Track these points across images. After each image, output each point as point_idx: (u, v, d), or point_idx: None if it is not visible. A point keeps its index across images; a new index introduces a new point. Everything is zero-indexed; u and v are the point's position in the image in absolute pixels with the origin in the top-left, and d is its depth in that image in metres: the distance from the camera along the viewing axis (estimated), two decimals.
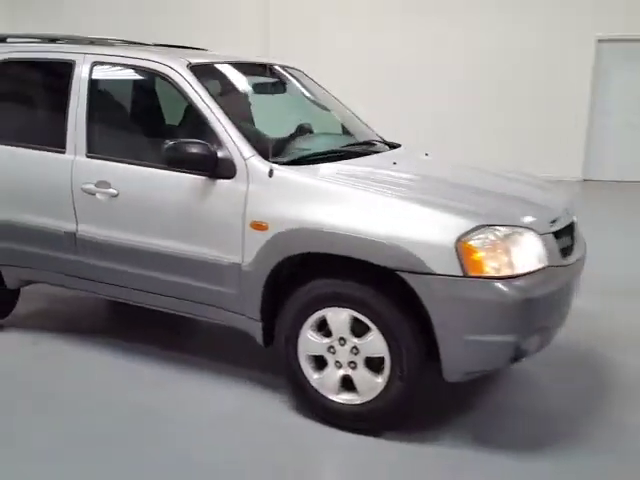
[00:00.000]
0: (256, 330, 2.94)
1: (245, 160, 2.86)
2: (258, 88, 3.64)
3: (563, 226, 2.85)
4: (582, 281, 3.10)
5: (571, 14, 9.65)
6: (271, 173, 2.81)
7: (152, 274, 3.13)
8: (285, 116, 3.72)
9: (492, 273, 2.48)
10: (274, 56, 4.07)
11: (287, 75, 3.94)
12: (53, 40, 3.63)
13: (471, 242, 2.47)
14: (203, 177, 2.91)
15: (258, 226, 2.79)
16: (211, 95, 3.00)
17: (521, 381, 3.34)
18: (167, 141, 2.80)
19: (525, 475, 2.57)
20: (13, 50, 3.62)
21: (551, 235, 2.71)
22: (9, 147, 3.48)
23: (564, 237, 2.88)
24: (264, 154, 2.87)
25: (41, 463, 2.59)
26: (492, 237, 2.51)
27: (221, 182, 2.89)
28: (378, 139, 3.85)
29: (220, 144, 2.89)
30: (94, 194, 3.19)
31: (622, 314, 4.27)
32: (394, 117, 9.89)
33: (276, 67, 3.85)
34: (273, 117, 3.65)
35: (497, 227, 2.53)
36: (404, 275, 2.52)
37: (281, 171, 2.82)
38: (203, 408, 3.02)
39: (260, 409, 3.01)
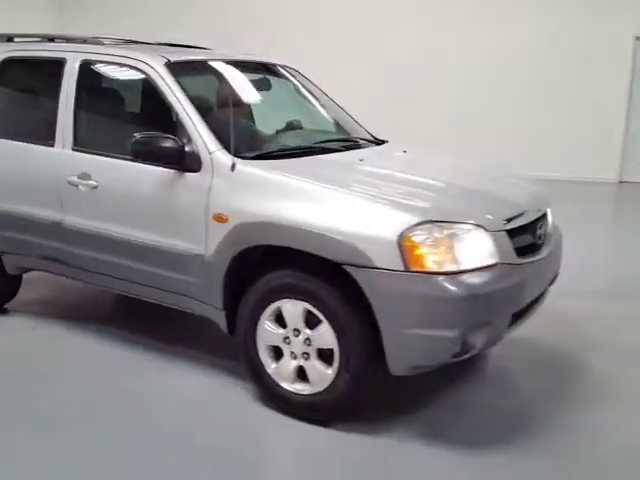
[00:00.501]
0: (221, 319, 3.04)
1: (210, 154, 2.95)
2: (255, 87, 3.75)
3: (522, 224, 2.83)
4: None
5: (608, 13, 9.38)
6: (233, 167, 2.90)
7: (128, 263, 3.27)
8: (272, 113, 3.79)
9: (434, 268, 2.50)
10: (271, 55, 4.14)
11: (280, 73, 4.04)
12: (52, 39, 3.83)
13: (413, 238, 2.49)
14: (172, 170, 3.02)
15: (219, 218, 2.89)
16: (184, 91, 3.11)
17: (488, 379, 3.35)
18: (135, 134, 2.93)
19: (469, 471, 2.57)
20: (15, 49, 3.84)
21: (504, 233, 2.69)
22: (7, 141, 3.69)
23: (524, 235, 2.86)
24: (230, 149, 2.96)
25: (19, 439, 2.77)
26: (435, 233, 2.52)
27: (188, 175, 3.00)
28: (363, 136, 3.89)
29: (189, 139, 3.00)
30: (77, 186, 3.36)
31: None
32: (424, 115, 9.88)
33: (268, 65, 3.95)
34: (260, 113, 3.72)
35: (441, 223, 2.55)
36: (349, 268, 2.56)
37: (243, 165, 2.91)
38: (171, 393, 3.14)
39: (223, 396, 3.09)
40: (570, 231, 6.56)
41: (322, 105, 4.08)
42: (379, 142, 3.85)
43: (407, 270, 2.49)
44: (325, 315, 2.68)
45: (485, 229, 2.63)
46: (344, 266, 2.57)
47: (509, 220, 2.77)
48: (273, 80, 4.00)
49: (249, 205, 2.82)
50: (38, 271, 3.92)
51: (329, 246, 2.59)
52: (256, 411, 2.96)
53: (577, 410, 3.03)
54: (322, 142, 3.51)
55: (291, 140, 3.51)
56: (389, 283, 2.51)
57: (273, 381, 2.89)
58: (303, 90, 4.07)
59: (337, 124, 4.01)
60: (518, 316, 2.82)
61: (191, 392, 3.16)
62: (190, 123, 3.02)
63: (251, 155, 3.02)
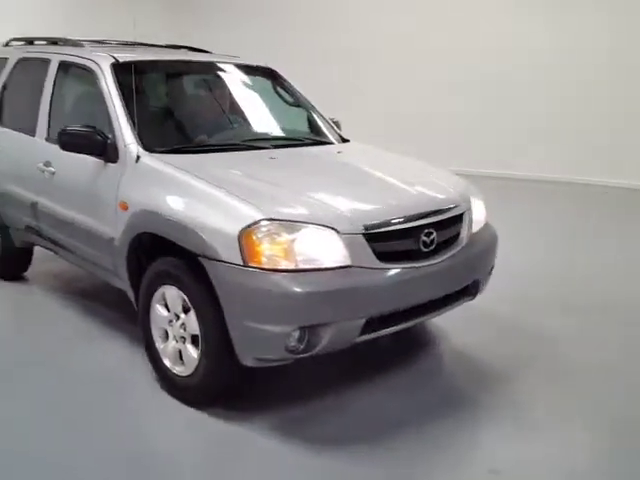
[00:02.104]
0: (131, 296, 3.31)
1: (125, 147, 3.23)
2: (192, 85, 3.99)
3: (393, 229, 2.79)
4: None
5: None
6: (138, 159, 3.15)
7: (71, 240, 3.69)
8: (218, 110, 3.96)
9: (269, 265, 2.57)
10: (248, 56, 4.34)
11: (256, 74, 4.23)
12: (55, 42, 4.32)
13: (253, 234, 2.58)
14: (100, 160, 3.34)
15: (123, 206, 3.15)
16: (120, 89, 3.41)
17: (397, 384, 3.27)
18: (63, 127, 3.28)
19: (307, 471, 2.59)
20: (27, 50, 4.40)
21: (360, 236, 2.68)
22: (10, 130, 4.25)
23: (399, 240, 2.82)
24: (146, 142, 3.22)
25: None
26: (275, 231, 2.58)
27: (109, 165, 3.30)
28: (325, 134, 4.03)
29: (113, 132, 3.30)
30: (43, 172, 3.80)
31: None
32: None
33: (241, 66, 4.15)
34: (202, 110, 3.91)
35: (284, 222, 2.60)
36: (202, 259, 2.71)
37: (146, 158, 3.14)
38: (89, 362, 3.47)
39: (133, 371, 3.36)
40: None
41: (292, 104, 4.20)
42: (330, 142, 3.94)
43: (245, 265, 2.58)
44: (191, 302, 2.84)
45: (337, 231, 2.64)
46: (199, 257, 2.72)
47: (378, 224, 2.74)
48: (246, 81, 4.19)
49: (142, 194, 3.06)
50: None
51: (188, 237, 2.75)
52: (146, 386, 3.17)
53: (464, 424, 2.92)
54: (251, 140, 3.63)
55: (220, 136, 3.68)
56: (230, 276, 2.61)
57: (160, 359, 3.10)
58: (273, 90, 4.21)
59: (301, 122, 4.11)
60: (381, 321, 2.78)
61: (108, 363, 3.46)
62: (115, 118, 3.32)
63: (163, 149, 3.24)
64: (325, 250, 2.63)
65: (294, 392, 3.19)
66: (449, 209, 3.08)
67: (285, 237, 2.59)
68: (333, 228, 2.64)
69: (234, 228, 2.60)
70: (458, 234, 3.13)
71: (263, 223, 2.59)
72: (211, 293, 2.72)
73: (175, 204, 2.86)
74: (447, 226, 3.04)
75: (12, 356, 3.58)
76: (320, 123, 4.13)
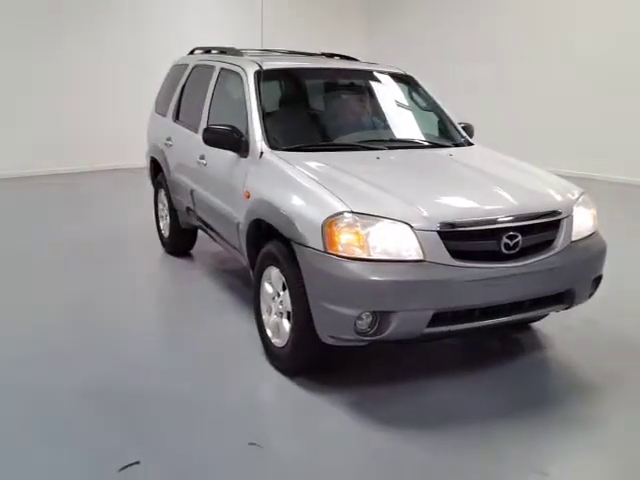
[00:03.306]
0: (251, 274, 3.79)
1: (254, 143, 3.71)
2: (324, 89, 4.36)
3: (475, 229, 2.91)
4: None
5: None
6: (261, 154, 3.60)
7: (215, 223, 4.30)
8: (342, 113, 4.27)
9: (345, 253, 2.84)
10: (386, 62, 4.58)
11: (384, 80, 4.50)
12: (223, 52, 4.99)
13: (334, 224, 2.87)
14: (236, 155, 3.86)
15: (246, 194, 3.63)
16: (257, 94, 3.90)
17: (479, 382, 3.34)
18: (207, 125, 3.85)
19: (371, 447, 2.81)
20: (201, 58, 5.15)
21: (434, 233, 2.83)
22: (182, 127, 5.01)
23: (477, 240, 2.93)
24: (271, 140, 3.67)
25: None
26: (353, 223, 2.85)
27: (242, 159, 3.80)
28: (450, 138, 4.18)
29: (247, 130, 3.80)
30: (199, 164, 4.46)
31: None
32: None
33: (372, 73, 4.45)
34: (329, 114, 4.25)
35: (362, 215, 2.86)
36: (293, 244, 3.07)
37: (267, 153, 3.59)
38: (212, 327, 4.05)
39: (244, 339, 3.83)
40: None
41: (422, 108, 4.38)
42: (448, 145, 4.07)
43: (325, 251, 2.89)
44: (287, 282, 3.21)
45: (411, 227, 2.83)
46: (291, 242, 3.09)
47: (453, 223, 2.87)
48: (378, 86, 4.47)
49: (259, 185, 3.51)
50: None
51: (285, 224, 3.13)
52: (254, 352, 3.61)
53: (532, 431, 2.91)
54: (367, 141, 3.88)
55: (340, 138, 3.98)
56: (313, 260, 2.94)
57: (265, 330, 3.52)
58: (406, 95, 4.44)
59: (426, 126, 4.29)
60: (453, 316, 2.90)
61: (230, 330, 3.99)
62: (250, 117, 3.82)
63: (284, 147, 3.65)
64: (398, 243, 2.83)
65: (381, 374, 3.42)
66: (541, 215, 3.08)
67: (361, 229, 2.84)
68: (407, 223, 2.83)
69: (320, 218, 2.92)
70: (552, 240, 3.11)
71: (346, 215, 2.87)
72: (300, 275, 3.07)
73: (279, 194, 3.26)
74: (537, 231, 3.05)
75: (166, 311, 4.52)
76: (445, 127, 4.26)
